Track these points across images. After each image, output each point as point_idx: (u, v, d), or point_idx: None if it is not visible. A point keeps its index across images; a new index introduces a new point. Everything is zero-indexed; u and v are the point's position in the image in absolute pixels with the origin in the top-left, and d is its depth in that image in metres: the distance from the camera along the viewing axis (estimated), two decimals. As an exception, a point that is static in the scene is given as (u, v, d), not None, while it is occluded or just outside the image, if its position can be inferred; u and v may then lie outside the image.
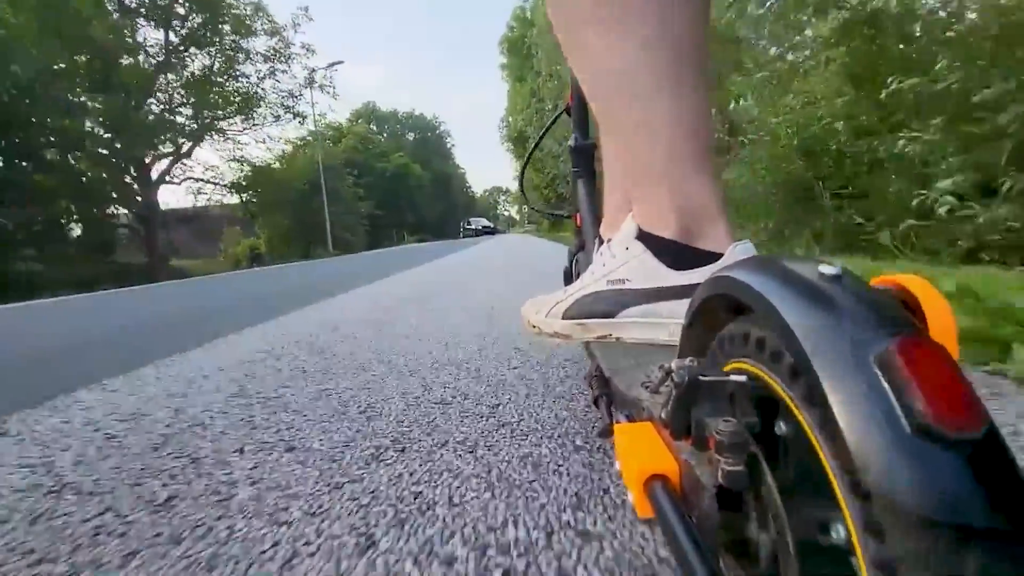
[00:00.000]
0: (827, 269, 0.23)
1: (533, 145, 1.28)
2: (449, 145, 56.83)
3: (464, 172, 63.47)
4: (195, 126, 17.72)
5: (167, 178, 17.45)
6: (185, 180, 18.38)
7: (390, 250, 16.13)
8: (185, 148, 17.71)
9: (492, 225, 38.69)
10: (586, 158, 1.05)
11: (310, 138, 22.35)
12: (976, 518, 0.15)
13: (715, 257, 0.54)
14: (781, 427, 0.24)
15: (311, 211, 19.60)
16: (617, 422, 0.50)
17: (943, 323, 0.22)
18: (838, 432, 0.19)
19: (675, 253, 0.56)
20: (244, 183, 19.27)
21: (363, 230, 26.83)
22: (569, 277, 1.07)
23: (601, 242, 0.77)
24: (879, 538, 0.17)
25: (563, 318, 0.67)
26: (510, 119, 24.82)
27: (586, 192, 1.02)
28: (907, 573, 0.16)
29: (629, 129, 0.55)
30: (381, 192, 34.76)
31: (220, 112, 18.15)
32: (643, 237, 0.58)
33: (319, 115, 21.56)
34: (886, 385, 0.17)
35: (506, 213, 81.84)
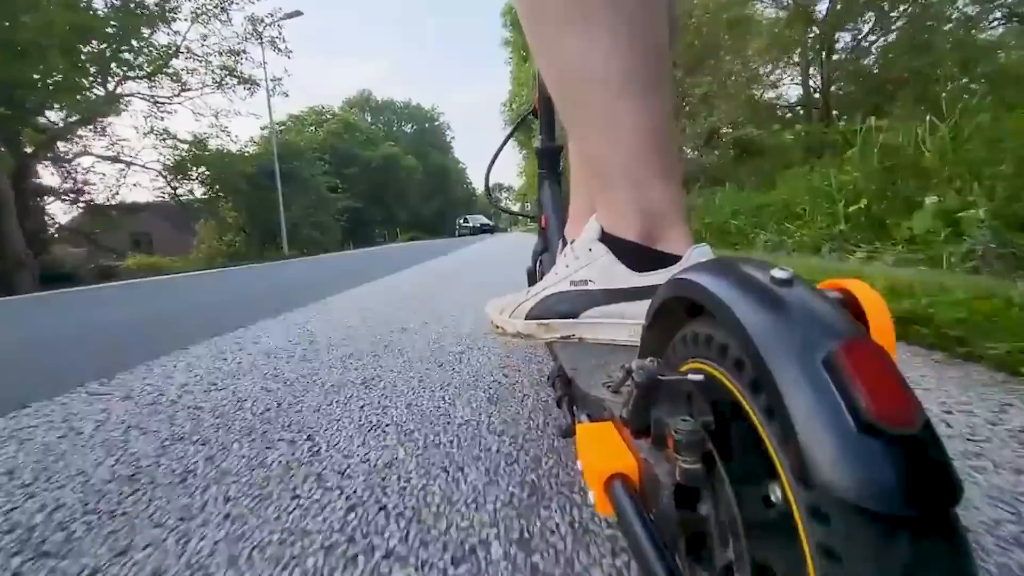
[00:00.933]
0: (779, 273, 0.24)
1: (499, 146, 1.27)
2: (448, 138, 51.14)
3: (465, 167, 55.87)
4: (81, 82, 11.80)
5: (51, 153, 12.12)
6: (79, 156, 13.13)
7: (369, 251, 12.10)
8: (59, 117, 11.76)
9: (491, 223, 34.24)
10: (552, 160, 1.06)
11: (287, 123, 19.09)
12: (912, 508, 0.17)
13: (675, 259, 0.56)
14: (735, 425, 0.25)
15: (266, 203, 16.10)
16: (579, 422, 0.50)
17: (882, 324, 0.24)
18: (788, 429, 0.19)
19: (636, 255, 0.57)
20: (168, 163, 14.39)
21: (339, 226, 22.73)
22: (533, 277, 1.08)
23: (565, 243, 0.78)
24: (824, 529, 0.18)
25: (526, 318, 0.67)
26: (513, 104, 21.27)
27: (551, 193, 1.03)
28: (848, 561, 0.17)
29: (594, 132, 0.55)
30: (366, 184, 31.09)
31: (133, 71, 12.72)
32: (606, 239, 0.59)
33: (273, 80, 15.70)
34: (832, 385, 0.18)
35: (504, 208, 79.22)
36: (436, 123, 50.27)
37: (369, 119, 42.92)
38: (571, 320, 0.62)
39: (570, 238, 0.76)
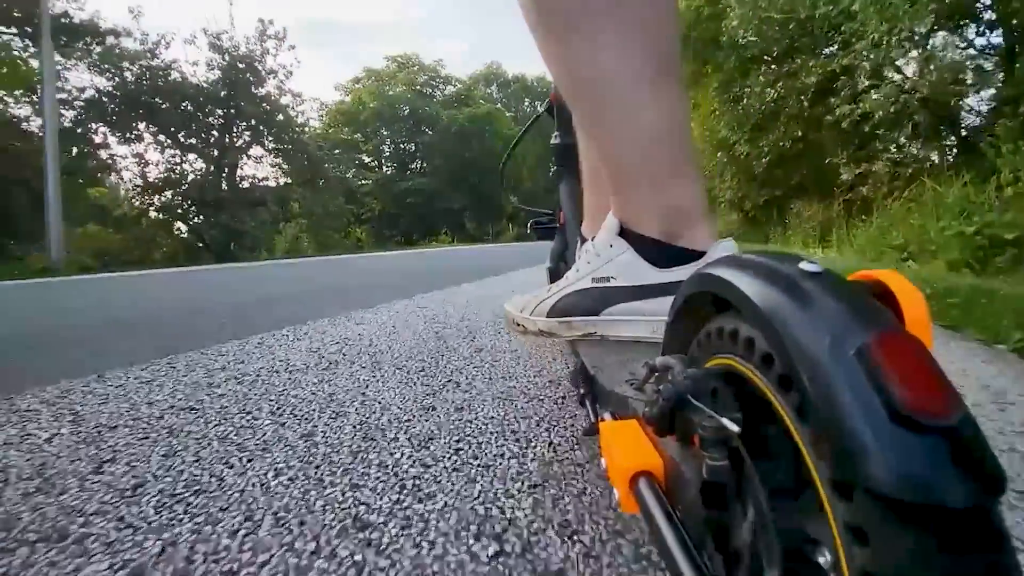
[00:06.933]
0: (808, 266, 0.23)
1: (513, 142, 1.27)
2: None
3: None
4: None
5: None
6: None
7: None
8: None
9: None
10: (569, 156, 1.06)
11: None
12: (951, 499, 0.16)
13: (698, 255, 0.55)
14: (763, 421, 0.24)
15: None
16: (602, 419, 0.50)
17: (918, 315, 0.23)
18: (819, 424, 0.19)
19: (658, 251, 0.56)
20: None
21: (348, 220, 17.37)
22: (553, 275, 1.07)
23: (583, 240, 0.78)
24: (859, 526, 0.18)
25: (547, 316, 0.67)
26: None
27: (569, 190, 1.03)
28: (886, 558, 0.17)
29: (609, 133, 0.55)
30: (443, 159, 22.94)
31: None
32: (626, 234, 0.58)
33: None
34: (865, 377, 0.18)
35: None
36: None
37: (494, 92, 33.67)
38: (592, 317, 0.62)
39: (588, 235, 0.75)
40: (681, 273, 0.55)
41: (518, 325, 0.73)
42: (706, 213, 0.57)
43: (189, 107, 14.25)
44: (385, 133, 24.61)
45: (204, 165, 14.98)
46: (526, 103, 36.32)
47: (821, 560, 0.21)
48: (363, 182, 22.81)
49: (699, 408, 0.28)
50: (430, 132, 24.09)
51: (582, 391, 0.58)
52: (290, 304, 2.31)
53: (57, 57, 10.72)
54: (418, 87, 25.85)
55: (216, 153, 15.03)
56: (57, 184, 7.55)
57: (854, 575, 0.18)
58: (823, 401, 0.19)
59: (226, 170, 15.15)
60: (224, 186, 14.96)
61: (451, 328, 1.59)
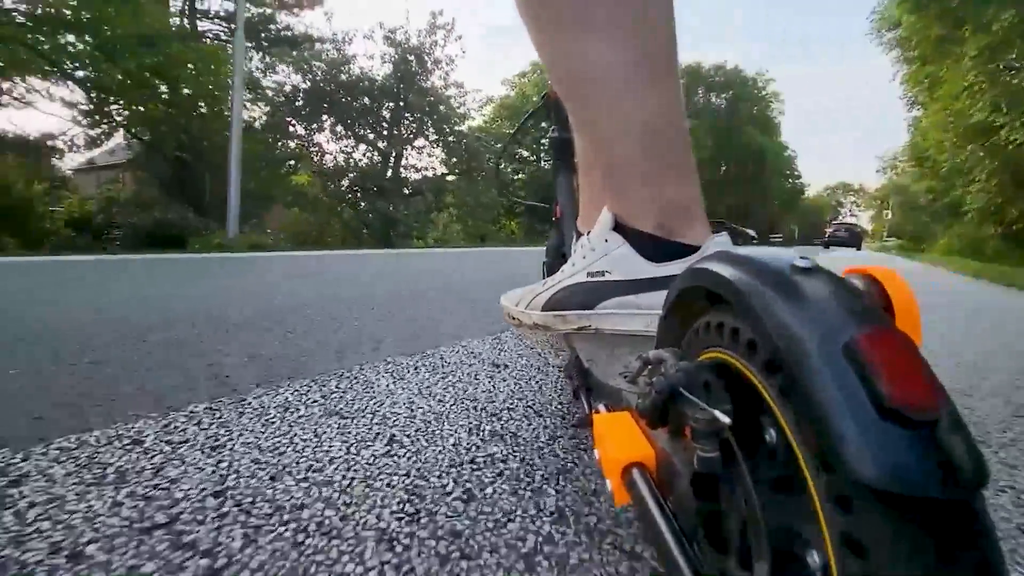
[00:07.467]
0: (800, 262, 0.23)
1: (509, 139, 1.27)
2: (775, 114, 35.28)
3: (794, 155, 39.83)
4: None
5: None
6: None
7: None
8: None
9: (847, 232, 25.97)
10: (566, 151, 1.05)
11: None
12: (937, 491, 0.16)
13: (693, 250, 0.55)
14: (753, 414, 0.25)
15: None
16: (596, 412, 0.50)
17: (908, 312, 0.23)
18: (807, 417, 0.19)
19: (653, 246, 0.56)
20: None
21: (498, 212, 17.69)
22: (549, 270, 1.08)
23: (579, 235, 0.78)
24: (847, 517, 0.18)
25: (542, 309, 0.67)
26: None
27: (565, 184, 1.03)
28: (874, 548, 0.17)
29: (603, 128, 0.54)
30: None
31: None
32: (621, 229, 0.58)
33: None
34: (852, 372, 0.18)
35: (852, 219, 58.18)
36: (761, 94, 34.14)
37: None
38: (587, 311, 0.62)
39: (584, 230, 0.75)
40: (675, 268, 0.55)
41: (514, 319, 0.73)
42: (701, 208, 0.57)
43: (365, 100, 15.35)
44: (544, 126, 24.62)
45: (372, 154, 15.98)
46: (698, 94, 31.34)
47: (810, 551, 0.21)
48: (518, 176, 22.83)
49: (691, 400, 0.28)
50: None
51: (576, 384, 0.58)
52: (316, 323, 1.45)
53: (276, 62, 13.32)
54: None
55: (385, 144, 15.90)
56: (238, 169, 8.21)
57: (842, 566, 0.18)
58: (811, 395, 0.19)
59: (392, 159, 16.04)
60: (388, 175, 15.89)
61: (515, 463, 0.62)
